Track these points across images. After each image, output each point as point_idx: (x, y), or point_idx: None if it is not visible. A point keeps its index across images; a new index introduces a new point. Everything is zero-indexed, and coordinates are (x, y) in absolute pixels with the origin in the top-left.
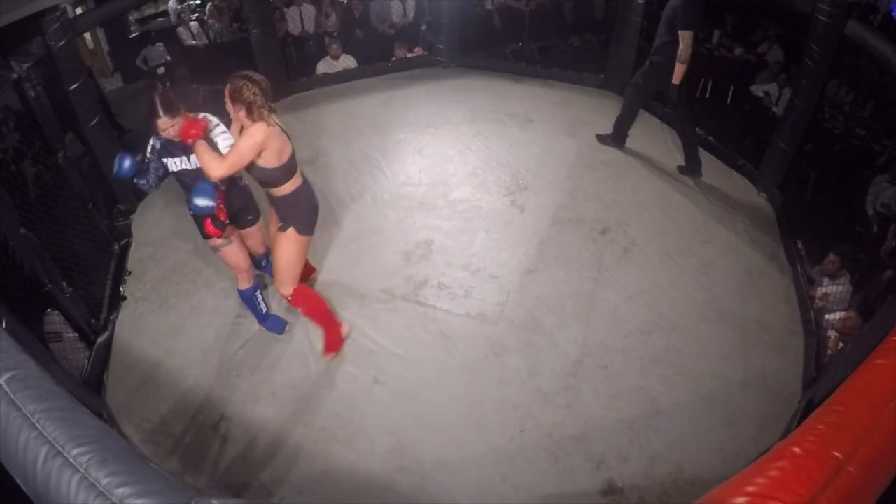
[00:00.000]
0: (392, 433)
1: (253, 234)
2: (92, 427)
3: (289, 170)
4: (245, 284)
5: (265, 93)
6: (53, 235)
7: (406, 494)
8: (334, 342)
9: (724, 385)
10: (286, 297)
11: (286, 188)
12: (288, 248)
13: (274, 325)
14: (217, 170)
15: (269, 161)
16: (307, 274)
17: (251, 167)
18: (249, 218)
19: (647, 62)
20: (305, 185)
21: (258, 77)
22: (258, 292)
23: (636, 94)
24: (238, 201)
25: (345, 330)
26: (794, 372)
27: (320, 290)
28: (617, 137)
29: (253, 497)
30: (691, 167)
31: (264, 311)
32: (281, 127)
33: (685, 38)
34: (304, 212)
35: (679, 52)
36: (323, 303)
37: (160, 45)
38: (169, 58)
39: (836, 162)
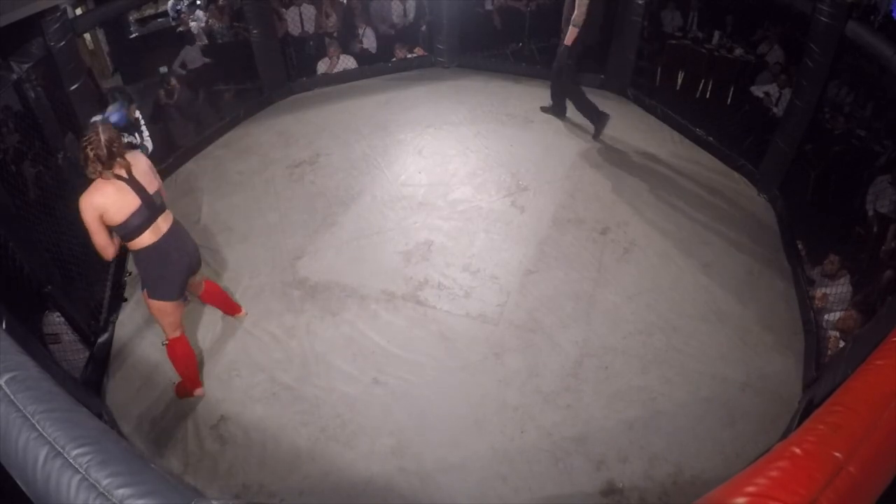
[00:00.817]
0: (392, 433)
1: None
2: (92, 428)
3: (135, 228)
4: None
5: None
6: (53, 235)
7: (406, 494)
8: (182, 391)
9: (724, 385)
10: (164, 343)
11: (135, 244)
12: (150, 306)
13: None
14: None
15: (112, 220)
16: (232, 312)
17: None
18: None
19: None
20: (163, 242)
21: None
22: None
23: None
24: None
25: (199, 392)
26: (794, 372)
27: (320, 290)
28: (561, 110)
29: (253, 497)
30: (556, 110)
31: None
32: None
33: (581, 5)
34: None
35: (574, 17)
36: (190, 362)
37: (198, 45)
38: (207, 59)
39: (836, 162)
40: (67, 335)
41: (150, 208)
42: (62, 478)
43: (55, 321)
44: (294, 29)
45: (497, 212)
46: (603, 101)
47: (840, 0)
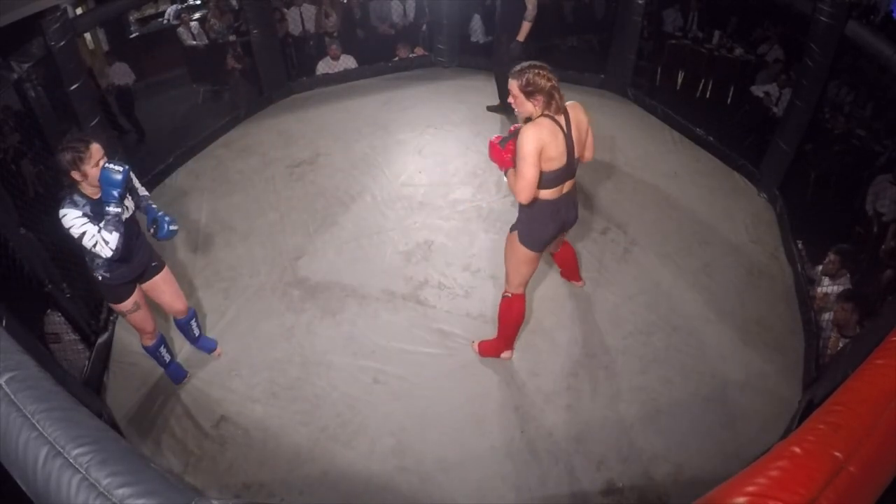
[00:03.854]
0: (392, 433)
1: (160, 284)
2: (92, 427)
3: (551, 179)
4: (149, 341)
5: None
6: (53, 235)
7: (406, 494)
8: (490, 350)
9: (724, 385)
10: (506, 293)
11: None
12: (510, 251)
13: (175, 373)
14: (520, 192)
15: (545, 159)
16: (574, 279)
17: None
18: (154, 264)
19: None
20: (559, 201)
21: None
22: (161, 347)
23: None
24: (143, 251)
25: (506, 355)
26: (794, 372)
27: (320, 290)
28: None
29: (253, 497)
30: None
31: (167, 360)
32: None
33: (532, 0)
34: (532, 226)
35: (527, 12)
36: (518, 324)
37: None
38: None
39: (836, 162)
40: (68, 335)
41: (569, 167)
42: (62, 477)
43: (55, 321)
44: (294, 29)
45: (497, 212)
46: (603, 100)
47: (840, 0)
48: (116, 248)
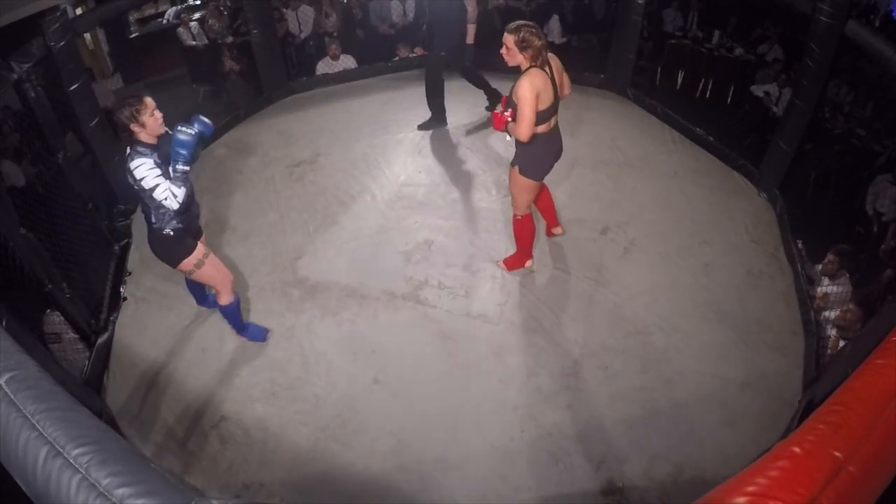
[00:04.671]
0: (392, 433)
1: (202, 246)
2: (92, 427)
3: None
4: (229, 297)
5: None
6: (53, 235)
7: (406, 494)
8: (515, 263)
9: (724, 385)
10: (513, 215)
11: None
12: (518, 186)
13: (255, 333)
14: (522, 131)
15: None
16: (552, 223)
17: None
18: (200, 223)
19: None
20: (550, 133)
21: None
22: (239, 305)
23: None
24: (195, 202)
25: (529, 263)
26: (794, 372)
27: (320, 290)
28: (440, 119)
29: (253, 497)
30: (434, 122)
31: (244, 322)
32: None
33: (472, 2)
34: (533, 159)
35: (470, 14)
36: (532, 236)
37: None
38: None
39: (836, 162)
40: (68, 334)
41: (555, 104)
42: (62, 477)
43: (55, 321)
44: (294, 29)
45: (497, 211)
46: (603, 100)
47: (840, 0)
48: (183, 202)
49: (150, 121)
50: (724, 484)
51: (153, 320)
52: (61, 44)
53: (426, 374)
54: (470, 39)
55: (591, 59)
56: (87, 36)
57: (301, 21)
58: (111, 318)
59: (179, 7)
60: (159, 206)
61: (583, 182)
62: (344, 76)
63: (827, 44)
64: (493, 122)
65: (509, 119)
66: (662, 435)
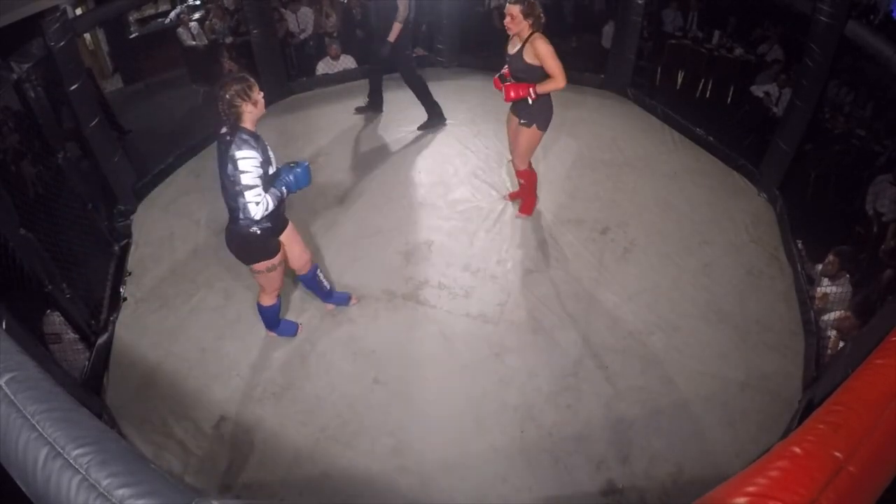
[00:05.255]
0: (392, 433)
1: (290, 233)
2: (92, 428)
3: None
4: (272, 300)
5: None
6: (53, 236)
7: (406, 494)
8: (530, 206)
9: (724, 385)
10: (518, 171)
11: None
12: (528, 141)
13: (287, 328)
14: (562, 81)
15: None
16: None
17: (533, 70)
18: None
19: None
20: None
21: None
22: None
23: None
24: (284, 209)
25: (536, 205)
26: (794, 372)
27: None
28: (437, 115)
29: (253, 497)
30: (433, 119)
31: (279, 320)
32: None
33: (403, 1)
34: (548, 112)
35: (398, 14)
36: (535, 181)
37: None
38: None
39: (836, 162)
40: (68, 335)
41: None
42: (62, 478)
43: (55, 321)
44: (294, 29)
45: (497, 211)
46: (603, 100)
47: (840, 0)
48: (265, 214)
49: (260, 100)
50: (724, 484)
51: (153, 320)
52: (61, 44)
53: (426, 374)
54: (392, 37)
55: (591, 59)
56: (87, 36)
57: (301, 22)
58: (111, 319)
59: (181, 7)
60: (245, 205)
61: (583, 182)
62: (344, 76)
63: (827, 44)
64: (508, 93)
65: (531, 90)
66: (662, 435)
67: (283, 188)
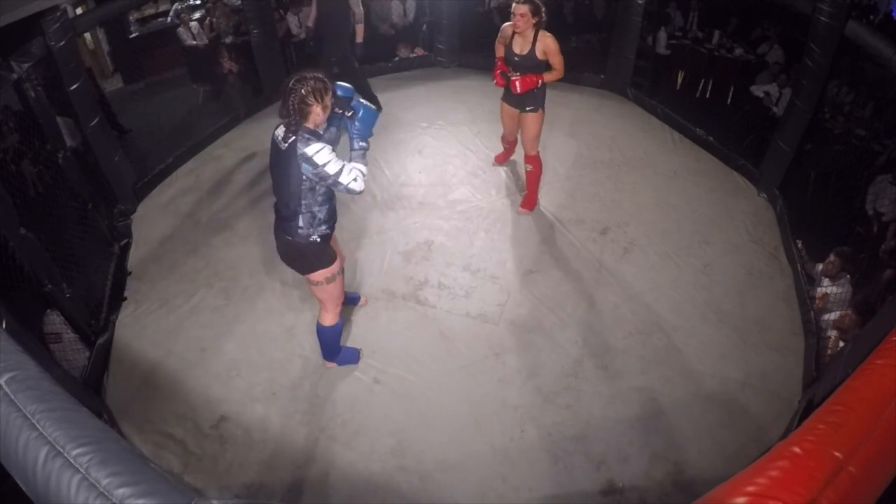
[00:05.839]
0: (392, 433)
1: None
2: (92, 427)
3: None
4: (334, 319)
5: None
6: (53, 235)
7: (406, 494)
8: (533, 200)
9: (724, 385)
10: (530, 155)
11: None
12: (537, 125)
13: (349, 356)
14: (562, 73)
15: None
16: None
17: (540, 64)
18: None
19: (318, 42)
20: None
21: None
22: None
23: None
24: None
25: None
26: (794, 372)
27: None
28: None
29: (253, 497)
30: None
31: (340, 347)
32: None
33: (358, 4)
34: (545, 94)
35: (358, 14)
36: (541, 174)
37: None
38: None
39: (836, 162)
40: (68, 334)
41: None
42: (62, 478)
43: (55, 321)
44: (294, 29)
45: (497, 212)
46: (602, 100)
47: (840, 0)
48: (331, 206)
49: (329, 106)
50: (724, 484)
51: (153, 321)
52: (61, 44)
53: (426, 374)
54: (359, 38)
55: (591, 59)
56: (87, 36)
57: (302, 22)
58: (111, 318)
59: (180, 7)
60: (346, 188)
61: (583, 182)
62: None
63: (827, 44)
64: (520, 86)
65: (539, 81)
66: (662, 435)
67: (360, 143)
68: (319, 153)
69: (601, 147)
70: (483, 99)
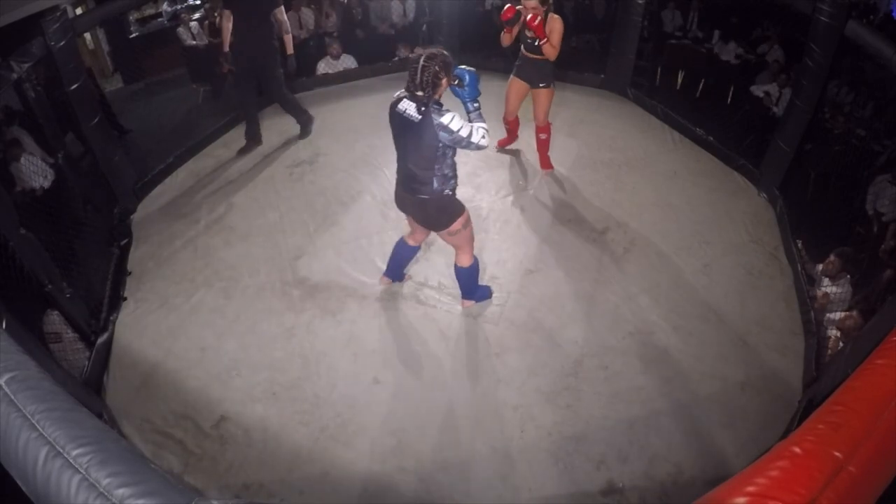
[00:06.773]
0: (392, 433)
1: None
2: (92, 427)
3: None
4: (471, 259)
5: None
6: (53, 235)
7: (406, 495)
8: (549, 162)
9: (724, 385)
10: (542, 126)
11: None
12: (549, 99)
13: (485, 292)
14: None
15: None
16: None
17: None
18: None
19: (243, 58)
20: None
21: None
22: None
23: (247, 92)
24: None
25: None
26: (794, 372)
27: (320, 290)
28: (256, 139)
29: (253, 497)
30: (307, 127)
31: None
32: None
33: (282, 13)
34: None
35: (284, 25)
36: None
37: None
38: None
39: (836, 162)
40: (68, 334)
41: None
42: (62, 478)
43: (55, 321)
44: (295, 29)
45: (497, 211)
46: (602, 101)
47: (840, 0)
48: (487, 138)
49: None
50: (724, 484)
51: (153, 320)
52: (61, 44)
53: (426, 374)
54: (290, 50)
55: (591, 59)
56: (87, 36)
57: (302, 22)
58: (111, 318)
59: (178, 6)
60: (478, 146)
61: (583, 182)
62: (344, 76)
63: (827, 44)
64: (538, 28)
65: (539, 41)
66: (662, 435)
67: (473, 104)
68: (454, 121)
69: (601, 147)
70: (483, 99)
